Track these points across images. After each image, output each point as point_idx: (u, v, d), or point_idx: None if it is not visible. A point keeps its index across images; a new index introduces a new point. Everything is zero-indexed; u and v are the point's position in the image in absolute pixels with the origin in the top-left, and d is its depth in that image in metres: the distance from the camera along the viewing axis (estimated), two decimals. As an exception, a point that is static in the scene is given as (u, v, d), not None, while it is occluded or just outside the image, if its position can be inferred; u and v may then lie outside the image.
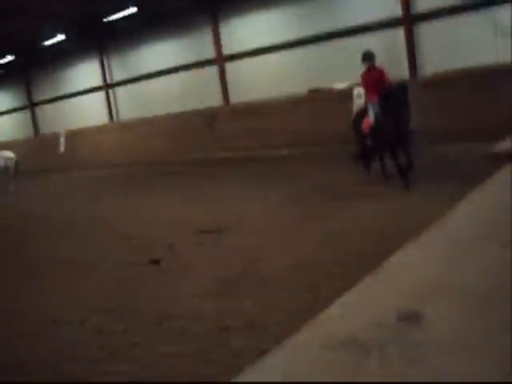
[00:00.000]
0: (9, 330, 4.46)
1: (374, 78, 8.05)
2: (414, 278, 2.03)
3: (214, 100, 18.13)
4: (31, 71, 25.46)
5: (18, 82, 26.50)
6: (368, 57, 8.22)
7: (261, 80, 16.94)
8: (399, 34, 13.71)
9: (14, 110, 27.57)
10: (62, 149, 22.50)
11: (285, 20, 16.19)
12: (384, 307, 1.76)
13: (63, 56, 23.04)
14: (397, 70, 12.47)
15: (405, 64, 13.66)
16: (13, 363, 3.87)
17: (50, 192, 14.35)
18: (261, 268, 5.08)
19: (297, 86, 15.69)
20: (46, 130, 25.67)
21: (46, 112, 25.52)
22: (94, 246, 7.14)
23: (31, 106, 26.12)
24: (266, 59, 16.86)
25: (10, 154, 16.97)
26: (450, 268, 2.08)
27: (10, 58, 23.82)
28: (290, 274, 4.80)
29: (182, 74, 19.11)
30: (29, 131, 26.69)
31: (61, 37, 21.26)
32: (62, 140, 22.65)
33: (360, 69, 8.69)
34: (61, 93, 24.18)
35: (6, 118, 28.32)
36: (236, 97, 17.76)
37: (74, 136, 22.56)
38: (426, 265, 2.17)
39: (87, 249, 7.00)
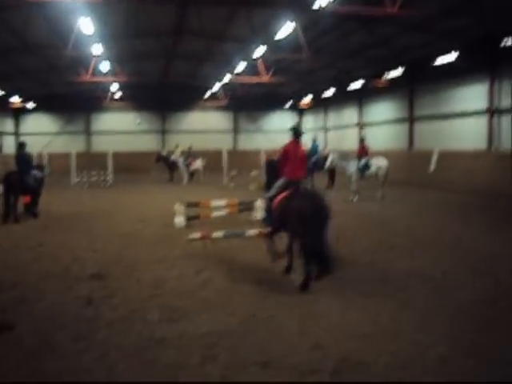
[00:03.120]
0: None
1: None
2: None
3: None
4: (415, 86, 26.54)
5: (401, 96, 28.02)
6: None
7: None
8: None
9: (393, 121, 29.31)
10: (432, 168, 22.91)
11: None
12: None
13: (448, 75, 23.20)
14: None
15: None
16: None
17: (413, 209, 14.95)
18: None
19: None
20: (419, 145, 26.50)
21: (422, 128, 26.30)
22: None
23: (410, 119, 27.27)
24: None
25: (383, 161, 18.14)
26: None
27: (397, 72, 25.50)
28: None
29: None
30: (402, 144, 28.02)
31: (450, 56, 21.43)
32: (434, 159, 23.03)
33: None
34: (440, 111, 24.45)
35: (382, 128, 30.46)
36: None
37: (445, 157, 22.62)
38: None
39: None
